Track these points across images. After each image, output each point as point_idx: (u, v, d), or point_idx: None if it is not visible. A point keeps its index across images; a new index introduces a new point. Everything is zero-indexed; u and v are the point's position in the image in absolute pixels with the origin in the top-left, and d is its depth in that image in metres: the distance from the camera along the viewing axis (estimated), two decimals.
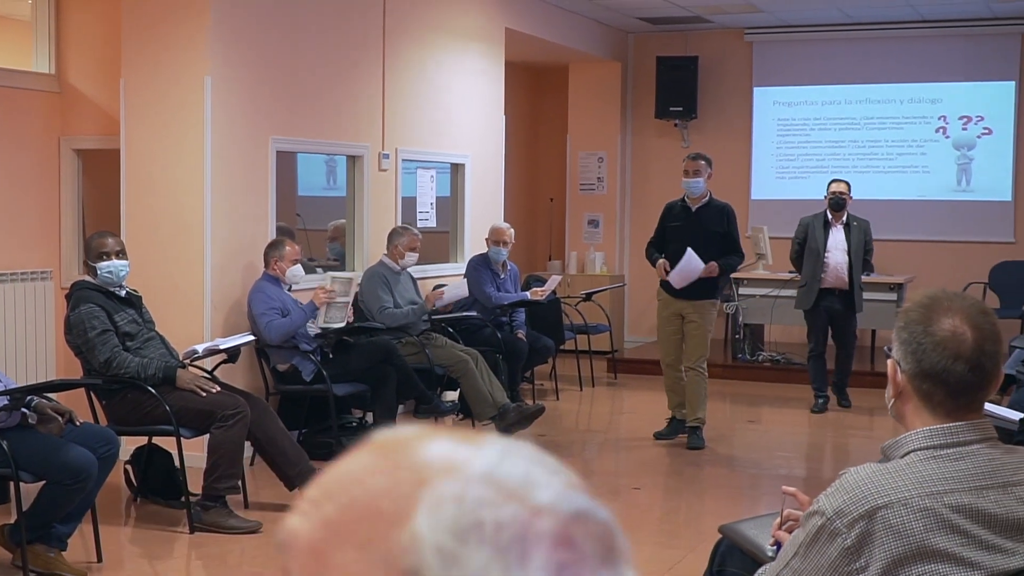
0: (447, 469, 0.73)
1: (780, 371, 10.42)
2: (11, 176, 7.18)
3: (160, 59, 6.87)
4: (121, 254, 5.74)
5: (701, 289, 7.49)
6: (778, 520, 2.55)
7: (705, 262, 7.37)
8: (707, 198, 7.61)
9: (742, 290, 10.43)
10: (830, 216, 8.91)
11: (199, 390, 5.69)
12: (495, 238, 8.76)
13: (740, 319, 10.54)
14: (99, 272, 5.68)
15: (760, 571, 2.33)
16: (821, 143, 12.06)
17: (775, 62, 12.14)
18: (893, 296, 9.88)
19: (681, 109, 12.06)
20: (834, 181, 9.06)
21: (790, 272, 9.97)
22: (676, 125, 12.32)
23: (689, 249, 7.34)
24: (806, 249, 8.96)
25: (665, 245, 7.63)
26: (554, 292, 9.43)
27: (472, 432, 0.77)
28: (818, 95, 12.03)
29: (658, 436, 7.86)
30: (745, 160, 12.22)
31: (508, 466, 0.73)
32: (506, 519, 0.70)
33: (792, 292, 9.78)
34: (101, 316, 5.62)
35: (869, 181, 11.62)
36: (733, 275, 10.66)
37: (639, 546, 5.60)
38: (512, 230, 8.88)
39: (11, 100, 7.17)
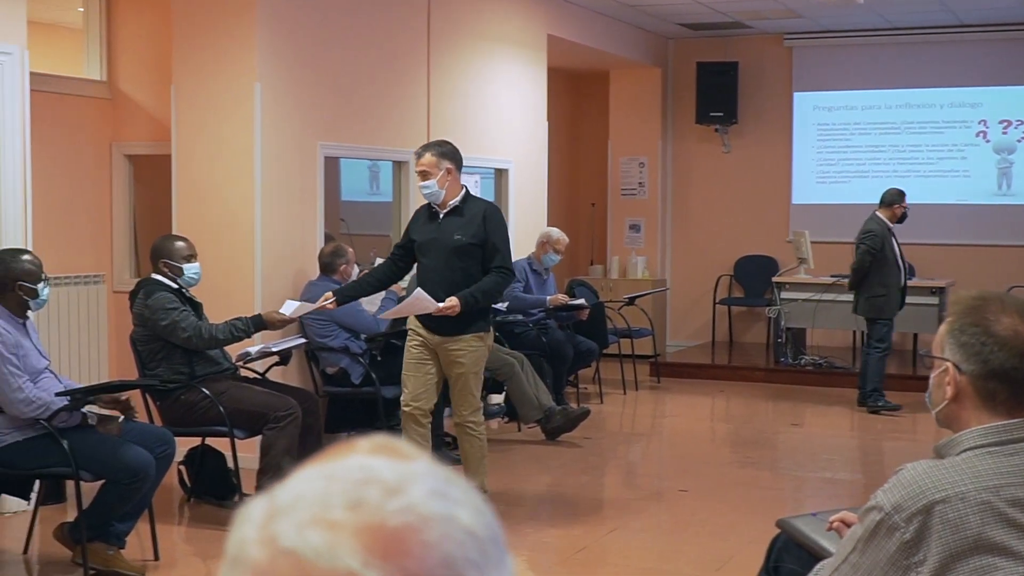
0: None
1: (822, 375, 10.40)
2: (64, 182, 7.30)
3: (210, 66, 6.97)
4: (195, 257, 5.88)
5: (459, 321, 5.75)
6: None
7: (453, 281, 5.72)
8: (458, 199, 5.84)
9: (784, 294, 10.43)
10: (891, 226, 8.99)
11: (285, 320, 5.97)
12: (555, 246, 8.80)
13: (782, 323, 10.55)
14: (185, 272, 5.80)
15: (818, 566, 2.36)
16: (861, 147, 12.03)
17: (815, 67, 12.14)
18: (935, 300, 9.86)
19: (721, 114, 12.08)
20: (899, 192, 9.08)
21: (832, 276, 9.96)
22: (716, 130, 12.33)
23: (419, 289, 5.74)
24: (882, 258, 8.90)
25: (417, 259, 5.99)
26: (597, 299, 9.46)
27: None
28: (858, 100, 12.01)
29: None
30: (786, 165, 12.23)
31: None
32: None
33: (833, 296, 9.77)
34: (175, 300, 5.73)
35: (909, 185, 11.48)
36: (775, 279, 10.67)
37: (686, 545, 5.65)
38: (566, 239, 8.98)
39: (63, 106, 7.30)
